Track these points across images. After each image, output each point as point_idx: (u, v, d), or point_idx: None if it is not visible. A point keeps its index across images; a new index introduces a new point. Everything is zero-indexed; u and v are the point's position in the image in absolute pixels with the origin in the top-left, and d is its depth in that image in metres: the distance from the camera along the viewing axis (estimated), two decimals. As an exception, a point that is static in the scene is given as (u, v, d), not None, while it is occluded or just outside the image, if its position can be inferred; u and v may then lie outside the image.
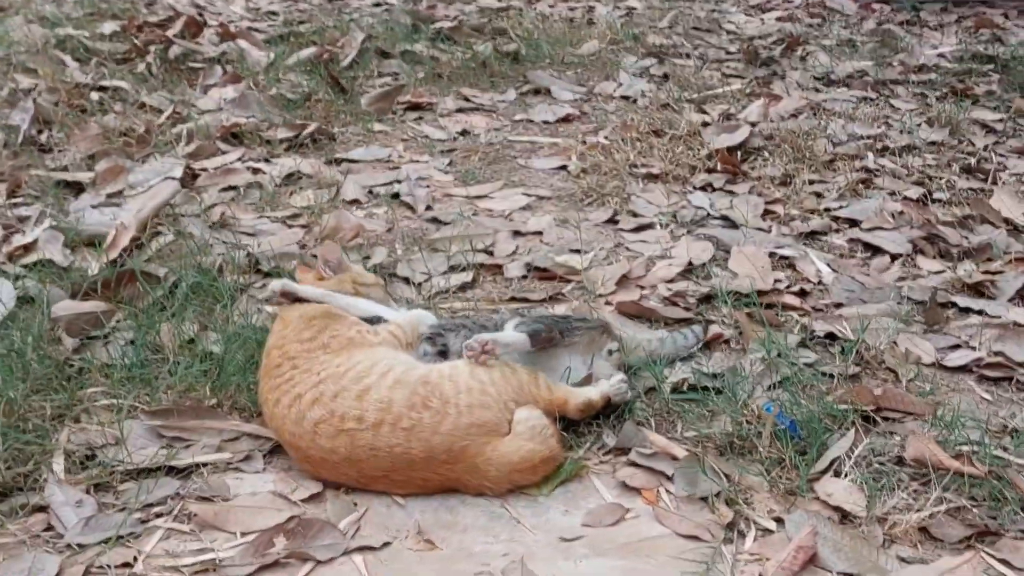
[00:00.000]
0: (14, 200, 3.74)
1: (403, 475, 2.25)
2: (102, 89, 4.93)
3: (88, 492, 2.24)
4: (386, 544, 2.14)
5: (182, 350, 2.73)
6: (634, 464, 2.40)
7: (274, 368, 2.40)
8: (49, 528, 2.16)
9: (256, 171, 4.08)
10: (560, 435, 2.38)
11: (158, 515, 2.22)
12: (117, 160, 3.98)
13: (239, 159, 4.19)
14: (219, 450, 2.42)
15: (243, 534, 2.17)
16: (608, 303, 3.16)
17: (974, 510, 2.26)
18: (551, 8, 7.22)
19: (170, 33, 5.87)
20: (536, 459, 2.29)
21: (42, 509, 2.20)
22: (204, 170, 4.06)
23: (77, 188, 3.86)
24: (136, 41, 5.68)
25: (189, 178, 3.95)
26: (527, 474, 2.30)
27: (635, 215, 3.80)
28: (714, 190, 4.02)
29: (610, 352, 2.65)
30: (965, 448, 2.42)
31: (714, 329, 2.97)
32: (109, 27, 6.00)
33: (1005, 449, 2.46)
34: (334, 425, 2.24)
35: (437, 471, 2.25)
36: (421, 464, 2.23)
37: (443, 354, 2.56)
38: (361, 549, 2.12)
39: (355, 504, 2.25)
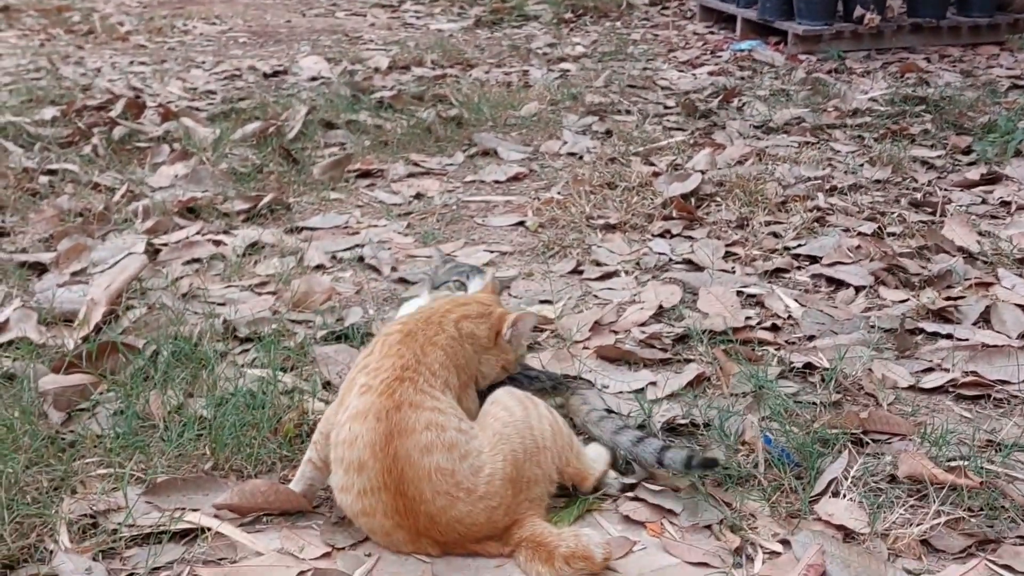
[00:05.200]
0: (-25, 284, 3.71)
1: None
2: (51, 173, 4.91)
3: (95, 559, 2.22)
4: (406, 590, 2.14)
5: (171, 417, 2.71)
6: (637, 499, 2.42)
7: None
8: (60, 598, 2.13)
9: (218, 243, 4.08)
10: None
11: (167, 579, 2.20)
12: (78, 239, 3.96)
13: (199, 232, 4.19)
14: (218, 516, 2.40)
15: (255, 593, 2.15)
16: (585, 347, 3.19)
17: (972, 520, 2.32)
18: (486, 74, 7.33)
19: (112, 115, 5.88)
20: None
21: (51, 579, 2.18)
22: (165, 245, 4.05)
23: (39, 269, 3.83)
24: (79, 124, 5.67)
25: (151, 253, 3.94)
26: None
27: (599, 264, 3.85)
28: (673, 236, 4.09)
29: None
30: (954, 463, 2.48)
31: (694, 368, 3.02)
32: (49, 112, 5.99)
33: (992, 462, 2.52)
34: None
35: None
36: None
37: None
38: (379, 597, 2.12)
39: (367, 555, 2.24)
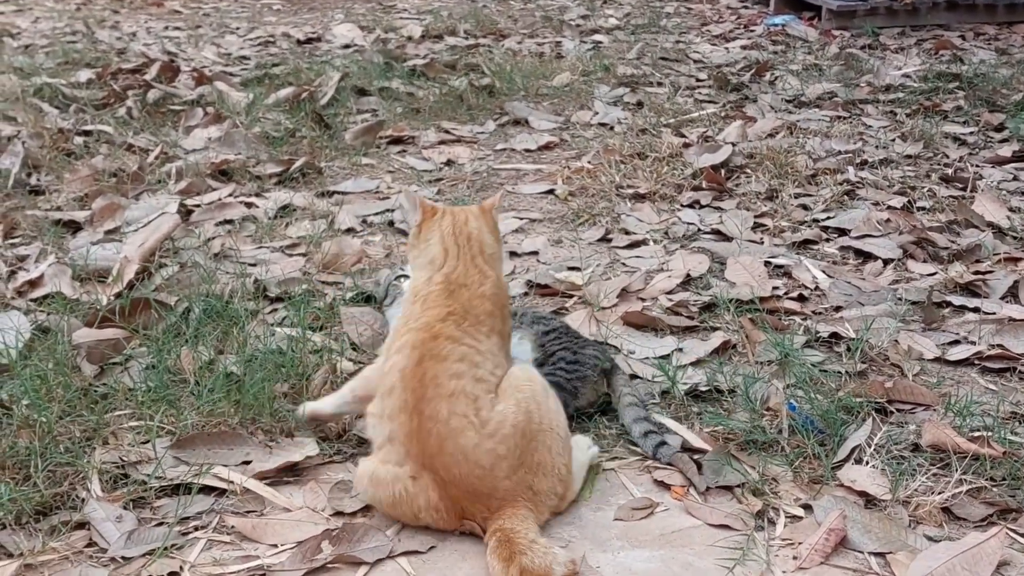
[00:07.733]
0: (12, 240, 3.75)
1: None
2: (86, 133, 4.96)
3: (126, 508, 2.26)
4: (432, 548, 2.17)
5: (201, 373, 2.75)
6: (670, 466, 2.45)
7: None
8: (91, 544, 2.17)
9: (249, 205, 4.11)
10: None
11: (197, 528, 2.24)
12: (112, 198, 4.00)
13: (231, 194, 4.22)
14: (245, 471, 2.43)
15: (282, 545, 2.18)
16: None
17: (994, 489, 2.33)
18: (519, 44, 7.33)
19: (147, 78, 5.92)
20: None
21: (82, 526, 2.22)
22: (197, 206, 4.09)
23: (73, 227, 3.88)
24: (114, 86, 5.72)
25: (183, 214, 3.98)
26: None
27: (627, 233, 3.87)
28: (702, 207, 4.10)
29: None
30: (978, 434, 2.49)
31: (720, 335, 3.04)
32: (84, 75, 6.04)
33: (1015, 433, 2.53)
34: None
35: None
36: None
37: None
38: (406, 553, 2.15)
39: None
